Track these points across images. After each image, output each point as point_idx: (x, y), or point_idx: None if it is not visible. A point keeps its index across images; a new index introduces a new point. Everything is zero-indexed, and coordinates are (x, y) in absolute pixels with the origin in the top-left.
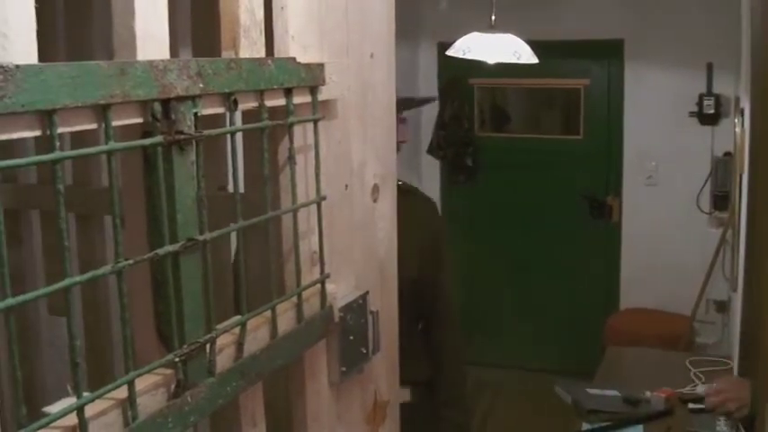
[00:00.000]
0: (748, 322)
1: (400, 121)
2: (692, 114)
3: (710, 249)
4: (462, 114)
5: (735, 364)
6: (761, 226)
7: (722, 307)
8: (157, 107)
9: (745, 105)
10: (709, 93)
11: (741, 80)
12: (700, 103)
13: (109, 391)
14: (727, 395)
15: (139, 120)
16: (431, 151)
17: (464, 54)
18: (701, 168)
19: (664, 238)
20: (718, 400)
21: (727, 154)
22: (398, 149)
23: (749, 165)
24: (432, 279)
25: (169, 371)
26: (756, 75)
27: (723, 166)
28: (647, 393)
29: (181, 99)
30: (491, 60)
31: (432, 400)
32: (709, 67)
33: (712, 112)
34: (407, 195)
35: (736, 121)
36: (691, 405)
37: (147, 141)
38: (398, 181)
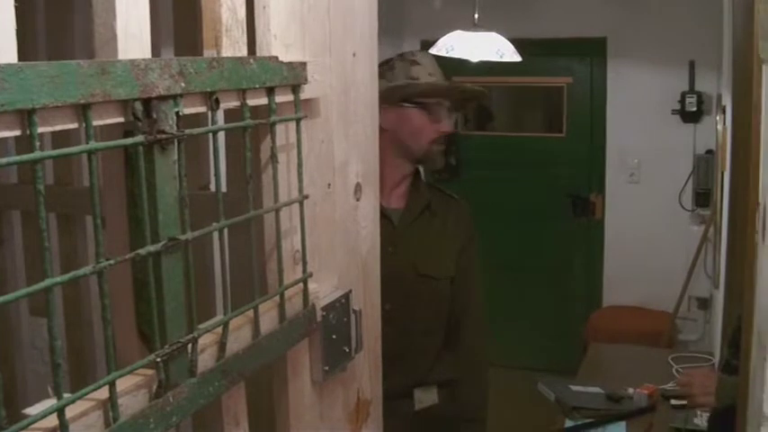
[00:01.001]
0: (730, 319)
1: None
2: (674, 112)
3: (693, 246)
4: None
5: (716, 360)
6: (742, 223)
7: (704, 304)
8: (138, 106)
9: (727, 103)
10: (692, 90)
11: (723, 78)
12: (682, 101)
13: (90, 392)
14: (692, 387)
15: (120, 119)
16: None
17: (447, 52)
18: (684, 166)
19: (646, 235)
20: (684, 390)
21: (710, 152)
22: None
23: (731, 162)
24: (465, 278)
25: (151, 371)
26: (738, 72)
27: (705, 164)
28: (630, 390)
29: (162, 98)
30: (474, 59)
31: (454, 400)
32: (692, 65)
33: (694, 109)
34: (445, 196)
35: (718, 118)
36: (673, 401)
37: (129, 141)
38: (429, 181)
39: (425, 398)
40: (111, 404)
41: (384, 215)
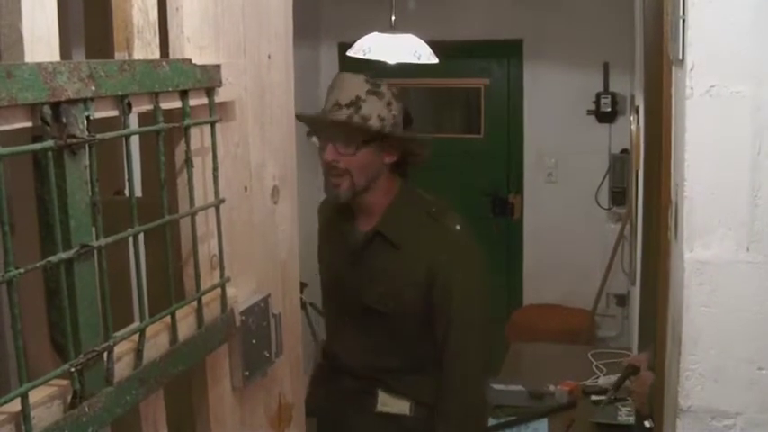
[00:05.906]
0: (647, 314)
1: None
2: (589, 112)
3: (609, 244)
4: None
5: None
6: (655, 220)
7: (622, 300)
8: (47, 110)
9: (640, 103)
10: (606, 91)
11: (636, 79)
12: (597, 102)
13: (1, 404)
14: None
15: (28, 124)
16: None
17: (364, 54)
18: (600, 165)
19: (564, 234)
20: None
21: (624, 151)
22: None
23: (644, 161)
24: (442, 317)
25: (65, 381)
26: (649, 73)
27: (620, 163)
28: (551, 387)
29: (72, 102)
30: (391, 61)
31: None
32: (606, 67)
33: (609, 110)
34: (431, 226)
35: (632, 118)
36: (593, 397)
37: (37, 146)
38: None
39: (391, 403)
40: (23, 417)
41: (353, 237)
